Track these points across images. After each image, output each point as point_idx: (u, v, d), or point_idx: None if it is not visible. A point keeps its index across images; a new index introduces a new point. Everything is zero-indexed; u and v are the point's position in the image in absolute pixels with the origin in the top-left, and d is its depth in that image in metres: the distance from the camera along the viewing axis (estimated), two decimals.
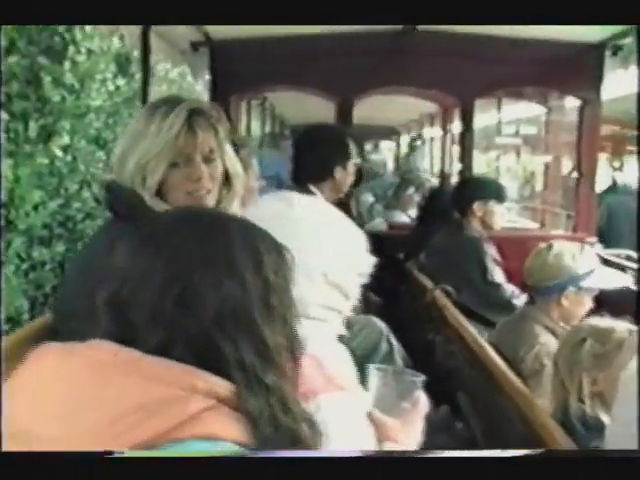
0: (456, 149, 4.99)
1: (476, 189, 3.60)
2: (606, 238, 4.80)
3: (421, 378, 1.39)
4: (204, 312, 0.89)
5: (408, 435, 1.36)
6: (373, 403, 1.37)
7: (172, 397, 0.84)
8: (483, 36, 3.73)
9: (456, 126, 5.31)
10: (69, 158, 5.33)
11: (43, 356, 0.91)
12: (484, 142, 10.30)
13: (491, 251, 3.50)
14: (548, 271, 2.45)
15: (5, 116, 4.95)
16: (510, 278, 3.39)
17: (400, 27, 3.59)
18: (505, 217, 3.71)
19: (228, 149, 1.75)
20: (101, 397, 0.84)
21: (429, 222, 3.97)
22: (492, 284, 3.38)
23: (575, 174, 4.41)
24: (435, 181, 6.03)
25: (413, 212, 5.28)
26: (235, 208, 1.78)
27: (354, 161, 3.09)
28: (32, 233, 5.12)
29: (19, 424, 0.84)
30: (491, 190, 3.60)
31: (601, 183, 5.55)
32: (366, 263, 1.40)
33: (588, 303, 2.43)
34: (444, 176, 5.32)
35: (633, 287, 3.12)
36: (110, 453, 0.80)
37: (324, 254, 1.33)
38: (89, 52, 5.12)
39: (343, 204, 4.22)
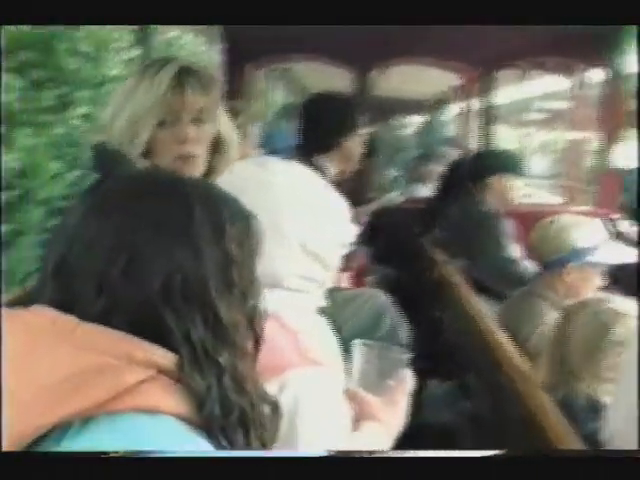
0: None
1: (492, 162, 3.50)
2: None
3: (407, 355, 1.32)
4: (150, 281, 0.84)
5: (390, 414, 1.30)
6: (356, 379, 1.31)
7: (106, 366, 0.80)
8: None
9: (474, 103, 5.22)
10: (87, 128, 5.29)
11: None
12: (515, 117, 10.15)
13: (507, 226, 3.40)
14: (550, 244, 2.37)
15: (20, 84, 4.93)
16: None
17: None
18: (523, 191, 3.59)
19: (222, 113, 1.68)
20: (36, 365, 0.80)
21: (446, 195, 3.88)
22: (507, 259, 3.29)
23: (599, 149, 4.29)
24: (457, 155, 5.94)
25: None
26: None
27: (362, 131, 3.01)
28: (51, 204, 5.12)
29: None
30: (508, 163, 3.50)
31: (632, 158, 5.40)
32: (348, 233, 1.33)
33: (596, 279, 2.33)
34: (464, 150, 5.21)
35: None
36: (109, 453, 0.78)
37: (302, 222, 1.25)
38: None
39: (360, 176, 4.20)
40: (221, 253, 0.88)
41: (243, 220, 0.95)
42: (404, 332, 2.49)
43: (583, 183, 5.29)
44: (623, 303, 1.74)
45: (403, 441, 1.28)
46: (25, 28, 5.00)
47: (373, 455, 1.03)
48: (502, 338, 2.07)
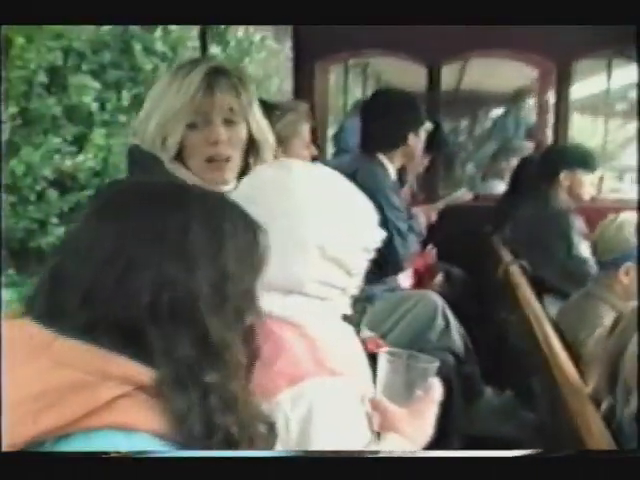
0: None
1: (562, 158, 3.37)
2: None
3: (435, 364, 1.28)
4: (139, 294, 0.83)
5: (415, 426, 1.25)
6: (381, 390, 1.27)
7: (81, 382, 0.79)
8: None
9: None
10: None
11: None
12: (601, 108, 9.80)
13: (578, 224, 3.28)
14: (608, 243, 2.27)
15: (97, 85, 5.05)
16: None
17: None
18: (610, 186, 3.43)
19: (256, 113, 1.66)
20: (12, 381, 0.80)
21: (517, 193, 3.77)
22: (578, 259, 3.17)
23: None
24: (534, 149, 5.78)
25: None
26: None
27: (426, 126, 2.96)
28: None
29: None
30: (578, 158, 3.36)
31: None
32: (372, 237, 1.28)
33: None
34: (539, 144, 5.05)
35: None
36: (109, 453, 0.79)
37: (321, 227, 1.22)
38: None
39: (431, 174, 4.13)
40: (216, 269, 0.86)
41: (248, 233, 0.92)
42: (457, 334, 2.44)
43: None
44: None
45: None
46: (104, 29, 5.11)
47: (377, 455, 1.04)
48: (555, 344, 1.99)
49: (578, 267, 3.14)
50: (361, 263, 1.28)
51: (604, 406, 1.59)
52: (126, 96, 5.17)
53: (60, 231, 5.11)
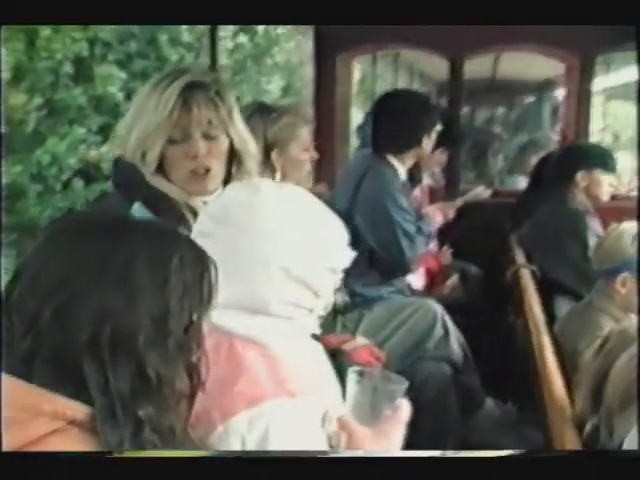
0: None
1: (579, 157, 3.31)
2: None
3: (404, 385, 1.27)
4: (77, 327, 0.83)
5: (381, 447, 1.24)
6: (349, 409, 1.27)
7: (11, 420, 0.80)
8: None
9: (597, 82, 4.95)
10: None
11: None
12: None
13: (595, 225, 3.23)
14: (605, 253, 2.24)
15: (123, 75, 5.08)
16: None
17: None
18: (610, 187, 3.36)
19: (237, 124, 1.66)
20: None
21: (536, 190, 3.71)
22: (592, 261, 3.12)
23: None
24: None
25: None
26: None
27: (438, 127, 2.93)
28: None
29: None
30: (596, 158, 3.29)
31: None
32: (340, 258, 1.28)
33: None
34: (564, 140, 4.97)
35: None
36: (110, 453, 0.80)
37: (285, 247, 1.22)
38: None
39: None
40: (159, 303, 0.87)
41: (196, 268, 0.92)
42: (456, 344, 2.42)
43: None
44: None
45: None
46: None
47: (372, 456, 1.07)
48: (549, 356, 1.96)
49: (592, 269, 3.09)
50: (328, 284, 1.29)
51: (588, 427, 1.57)
52: None
53: None
